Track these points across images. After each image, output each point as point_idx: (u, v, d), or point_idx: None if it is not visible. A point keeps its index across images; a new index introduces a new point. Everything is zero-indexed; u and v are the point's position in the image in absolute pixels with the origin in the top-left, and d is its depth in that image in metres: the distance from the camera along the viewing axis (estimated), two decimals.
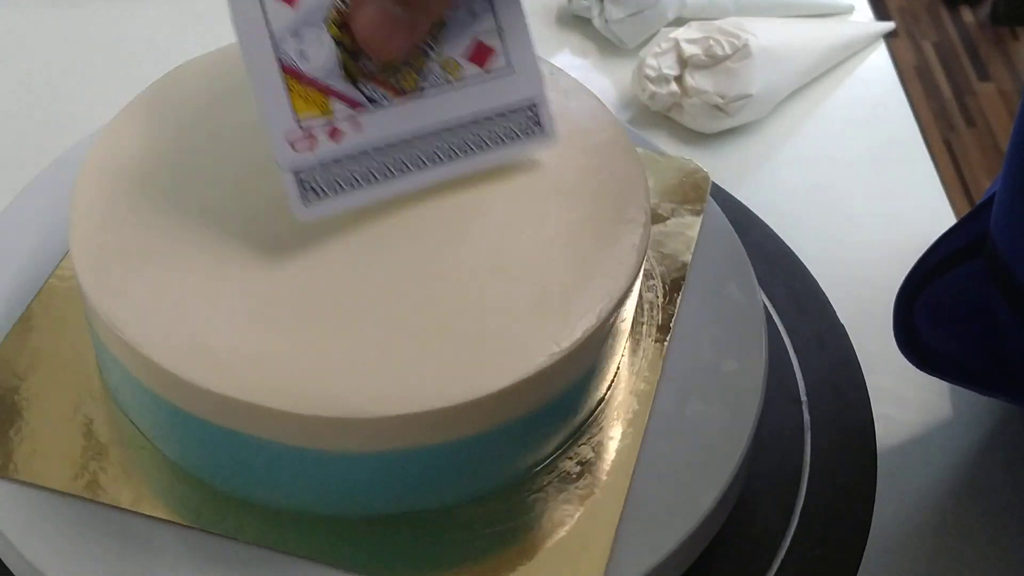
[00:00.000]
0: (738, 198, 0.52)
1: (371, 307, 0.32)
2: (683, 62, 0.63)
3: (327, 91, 0.31)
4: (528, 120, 0.33)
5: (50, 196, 0.41)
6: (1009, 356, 0.44)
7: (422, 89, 0.32)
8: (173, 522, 0.33)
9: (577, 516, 0.34)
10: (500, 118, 0.33)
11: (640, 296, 0.39)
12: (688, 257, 0.41)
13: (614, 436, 0.36)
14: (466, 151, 0.33)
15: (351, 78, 0.31)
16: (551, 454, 0.35)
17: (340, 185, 0.31)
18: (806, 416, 0.43)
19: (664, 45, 0.63)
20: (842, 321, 0.48)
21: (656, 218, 0.42)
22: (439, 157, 0.32)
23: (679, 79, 0.63)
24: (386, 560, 0.33)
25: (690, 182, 0.43)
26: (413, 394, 0.30)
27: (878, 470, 0.43)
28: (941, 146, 1.52)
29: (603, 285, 0.33)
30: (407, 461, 0.32)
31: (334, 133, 0.31)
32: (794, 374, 0.45)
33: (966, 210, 0.46)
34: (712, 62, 0.62)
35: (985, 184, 1.44)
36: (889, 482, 0.47)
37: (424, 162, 0.32)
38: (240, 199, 0.35)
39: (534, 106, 0.33)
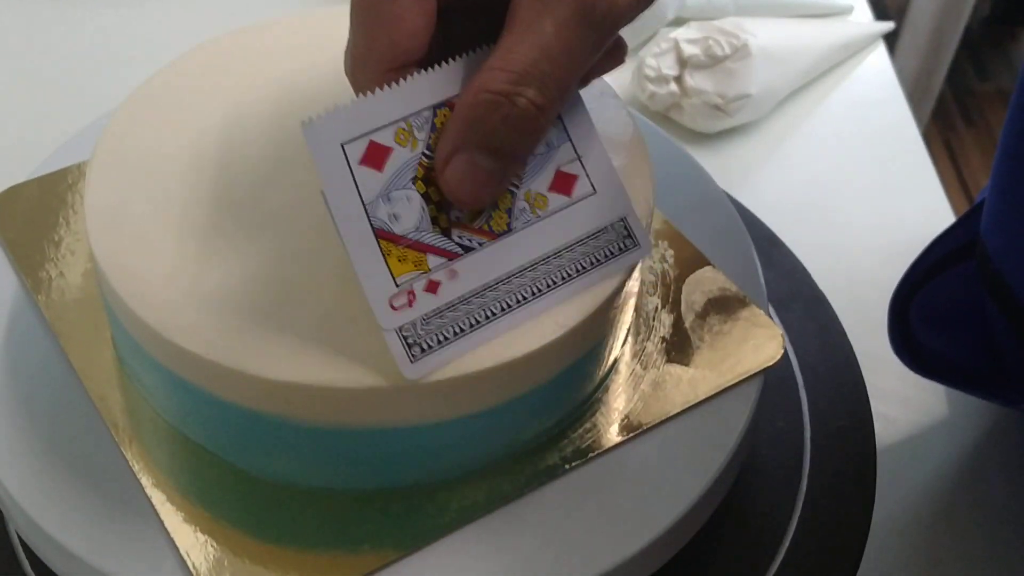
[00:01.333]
0: (737, 198, 0.52)
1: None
2: (683, 62, 0.63)
3: (422, 248, 0.31)
4: (620, 236, 0.34)
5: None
6: (1001, 358, 0.44)
7: (512, 228, 0.32)
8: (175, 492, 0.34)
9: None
10: (592, 239, 0.33)
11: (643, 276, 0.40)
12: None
13: (617, 409, 0.36)
14: (564, 278, 0.33)
15: (441, 229, 0.31)
16: (556, 426, 0.36)
17: (444, 336, 0.31)
18: (805, 416, 0.43)
19: (664, 45, 0.63)
20: (841, 321, 0.48)
21: None
22: (539, 289, 0.33)
23: (679, 79, 0.63)
24: (390, 532, 0.33)
25: None
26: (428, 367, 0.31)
27: (877, 469, 0.43)
28: (940, 146, 1.52)
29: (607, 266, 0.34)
30: (418, 435, 0.32)
31: (431, 286, 0.31)
32: (793, 374, 0.45)
33: (965, 210, 0.47)
34: (711, 62, 0.62)
35: (984, 184, 1.44)
36: (888, 481, 0.47)
37: (524, 297, 0.32)
38: (254, 180, 0.35)
39: (624, 220, 0.34)
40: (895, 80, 0.70)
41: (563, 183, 0.33)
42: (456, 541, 0.33)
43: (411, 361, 0.31)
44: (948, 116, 1.60)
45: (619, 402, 0.36)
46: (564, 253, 0.33)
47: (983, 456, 0.50)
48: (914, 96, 1.32)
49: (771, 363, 0.37)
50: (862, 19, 0.74)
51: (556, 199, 0.33)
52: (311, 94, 0.38)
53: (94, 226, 0.34)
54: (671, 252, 0.40)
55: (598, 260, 0.33)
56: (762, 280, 0.40)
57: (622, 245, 0.34)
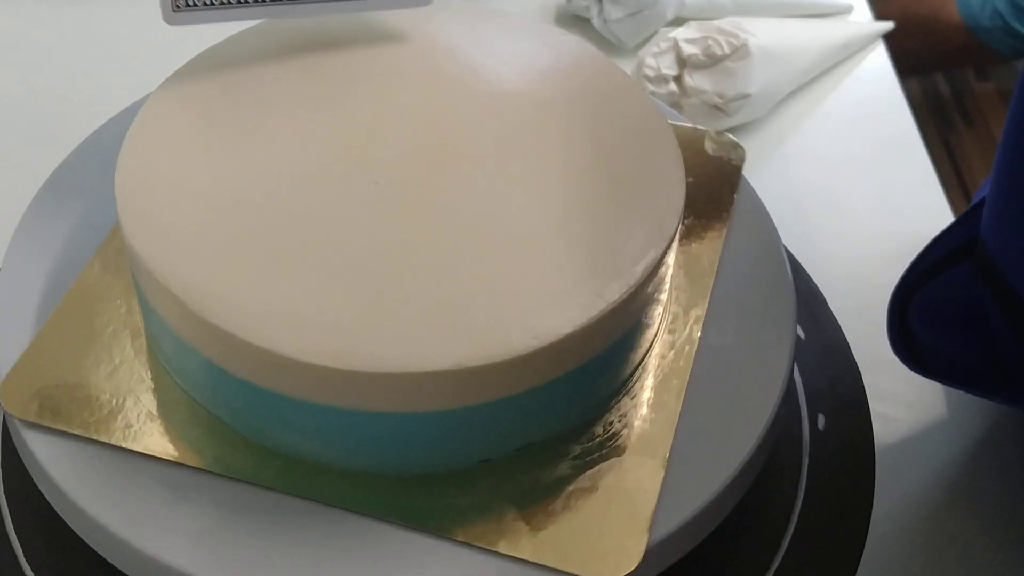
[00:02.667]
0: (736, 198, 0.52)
1: (420, 264, 0.33)
2: (682, 62, 0.63)
3: None
4: None
5: (91, 170, 0.42)
6: (1001, 357, 0.44)
7: None
8: (201, 469, 0.34)
9: (620, 467, 0.34)
10: None
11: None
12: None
13: (654, 393, 0.36)
14: None
15: None
16: (596, 408, 0.36)
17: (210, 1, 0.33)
18: (804, 416, 0.43)
19: (663, 45, 0.63)
20: (840, 321, 0.48)
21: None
22: None
23: (678, 79, 0.63)
24: (425, 511, 0.33)
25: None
26: (466, 350, 0.31)
27: (876, 469, 0.43)
28: (940, 146, 1.52)
29: (645, 240, 0.34)
30: (455, 419, 0.32)
31: None
32: (793, 374, 0.45)
33: (964, 209, 0.47)
34: (711, 62, 0.62)
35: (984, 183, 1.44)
36: (887, 481, 0.47)
37: None
38: (284, 163, 0.35)
39: None
40: (895, 80, 0.70)
41: None
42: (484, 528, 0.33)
43: (173, 11, 0.33)
44: (948, 116, 1.60)
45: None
46: None
47: (983, 456, 0.50)
48: (913, 95, 1.32)
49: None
50: (861, 19, 0.74)
51: None
52: (341, 78, 0.38)
53: (124, 207, 0.34)
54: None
55: None
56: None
57: None
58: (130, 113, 0.43)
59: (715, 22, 0.64)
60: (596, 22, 0.69)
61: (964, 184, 1.44)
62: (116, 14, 0.71)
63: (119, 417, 0.34)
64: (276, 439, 0.34)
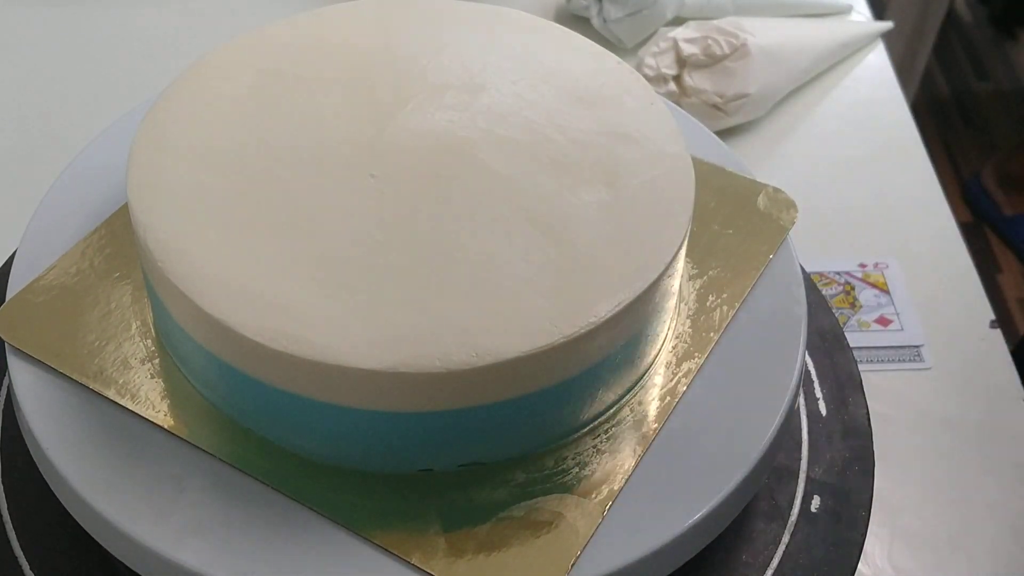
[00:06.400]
0: None
1: (430, 262, 0.33)
2: (681, 61, 0.63)
3: None
4: None
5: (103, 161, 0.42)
6: None
7: None
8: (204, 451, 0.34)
9: (559, 504, 0.33)
10: None
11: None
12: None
13: (618, 440, 0.35)
14: None
15: None
16: (550, 441, 0.35)
17: None
18: (803, 416, 0.43)
19: (662, 44, 0.63)
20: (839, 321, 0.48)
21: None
22: None
23: (677, 78, 0.63)
24: (352, 508, 0.33)
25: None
26: (481, 348, 0.31)
27: (876, 469, 0.43)
28: (939, 145, 1.52)
29: (620, 281, 0.33)
30: (401, 421, 0.32)
31: None
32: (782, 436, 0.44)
33: (963, 210, 0.46)
34: (710, 61, 0.62)
35: (984, 183, 1.44)
36: (887, 481, 0.47)
37: None
38: (295, 160, 0.35)
39: None
40: (894, 79, 0.70)
41: None
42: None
43: None
44: (947, 116, 1.60)
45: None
46: None
47: (983, 456, 0.50)
48: (912, 95, 1.32)
49: None
50: (861, 18, 0.74)
51: None
52: (347, 79, 0.38)
53: (137, 204, 0.34)
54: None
55: None
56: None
57: None
58: (139, 112, 0.43)
59: (714, 22, 0.64)
60: (596, 22, 0.69)
61: (963, 184, 1.44)
62: (116, 14, 0.71)
63: (117, 370, 0.35)
64: (236, 414, 0.34)
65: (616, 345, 0.33)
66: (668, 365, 0.36)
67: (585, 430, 0.35)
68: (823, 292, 0.55)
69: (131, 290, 0.37)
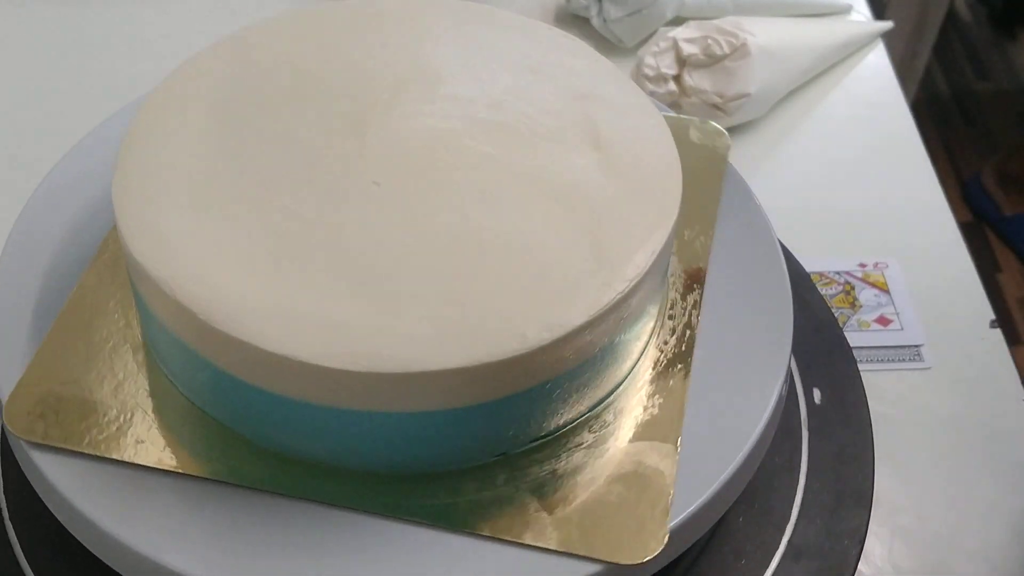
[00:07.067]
0: None
1: (419, 262, 0.33)
2: (681, 61, 0.63)
3: None
4: None
5: (84, 175, 0.42)
6: None
7: None
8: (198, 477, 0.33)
9: (635, 453, 0.34)
10: None
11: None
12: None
13: (660, 379, 0.37)
14: None
15: None
16: (607, 396, 0.36)
17: None
18: (803, 416, 0.43)
19: (662, 44, 0.63)
20: (839, 320, 0.48)
21: None
22: None
23: (677, 78, 0.63)
24: (447, 509, 0.33)
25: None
26: (480, 346, 0.31)
27: (876, 469, 0.43)
28: (939, 145, 1.52)
29: (650, 227, 0.34)
30: (473, 415, 0.32)
31: None
32: (792, 374, 0.45)
33: (963, 210, 0.46)
34: (710, 61, 0.62)
35: (985, 184, 1.44)
36: (887, 481, 0.47)
37: None
38: (283, 161, 0.35)
39: None
40: (894, 79, 0.70)
41: None
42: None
43: None
44: (947, 116, 1.60)
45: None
46: None
47: (983, 456, 0.50)
48: (912, 95, 1.32)
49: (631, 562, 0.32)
50: (861, 18, 0.74)
51: None
52: (334, 78, 0.38)
53: (121, 203, 0.34)
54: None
55: None
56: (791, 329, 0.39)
57: None
58: (124, 116, 0.43)
59: (714, 21, 0.64)
60: (595, 22, 0.69)
61: (963, 184, 1.44)
62: (116, 14, 0.71)
63: (128, 432, 0.34)
64: (293, 445, 0.34)
65: (651, 289, 0.35)
66: (675, 302, 0.39)
67: (629, 379, 0.36)
68: (823, 292, 0.55)
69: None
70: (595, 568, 0.32)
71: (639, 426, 0.35)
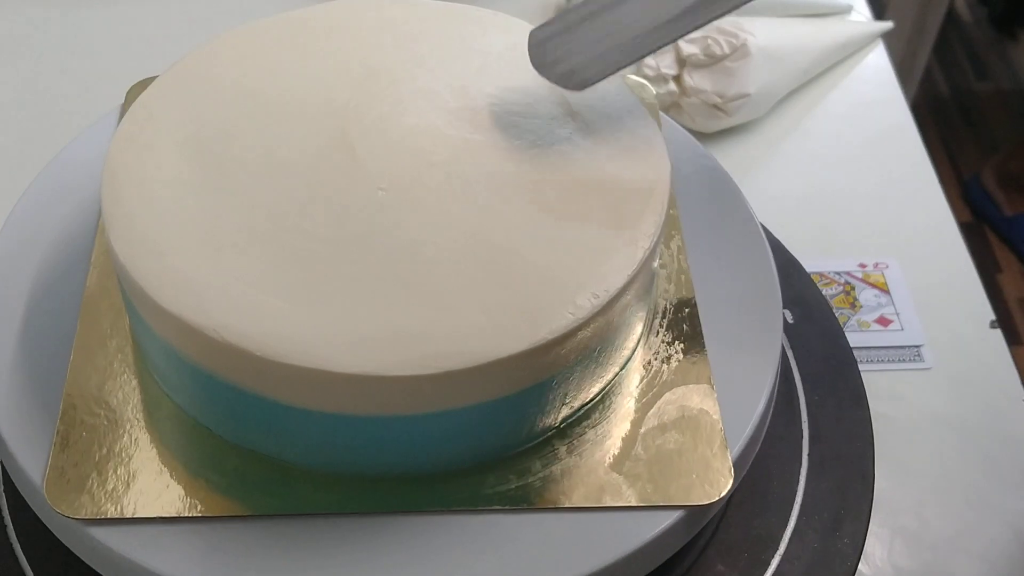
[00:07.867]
0: None
1: (454, 255, 0.33)
2: (681, 61, 0.63)
3: None
4: None
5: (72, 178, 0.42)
6: None
7: None
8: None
9: (676, 399, 0.35)
10: None
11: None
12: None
13: (673, 327, 0.38)
14: None
15: None
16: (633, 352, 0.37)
17: None
18: (804, 417, 0.43)
19: None
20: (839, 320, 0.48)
21: None
22: None
23: (677, 78, 0.63)
24: (518, 491, 0.33)
25: None
26: (472, 350, 0.31)
27: (876, 470, 0.43)
28: (939, 145, 1.52)
29: (648, 190, 0.35)
30: (449, 420, 0.32)
31: None
32: (792, 374, 0.45)
33: (963, 210, 0.46)
34: (710, 61, 0.62)
35: (985, 184, 1.44)
36: (887, 481, 0.47)
37: None
38: (279, 186, 0.35)
39: None
40: (894, 79, 0.70)
41: None
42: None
43: None
44: (947, 116, 1.60)
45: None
46: None
47: (983, 456, 0.50)
48: (912, 95, 1.32)
49: (704, 502, 0.33)
50: (861, 18, 0.74)
51: None
52: (328, 80, 0.38)
53: (110, 206, 0.34)
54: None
55: None
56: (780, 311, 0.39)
57: None
58: (112, 119, 0.43)
59: (714, 22, 0.64)
60: None
61: (963, 184, 1.44)
62: (115, 14, 0.71)
63: (166, 489, 0.33)
64: (327, 457, 0.34)
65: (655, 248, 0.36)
66: (662, 253, 0.40)
67: (649, 333, 0.38)
68: (823, 292, 0.55)
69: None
70: (676, 516, 0.33)
71: (672, 374, 0.36)
